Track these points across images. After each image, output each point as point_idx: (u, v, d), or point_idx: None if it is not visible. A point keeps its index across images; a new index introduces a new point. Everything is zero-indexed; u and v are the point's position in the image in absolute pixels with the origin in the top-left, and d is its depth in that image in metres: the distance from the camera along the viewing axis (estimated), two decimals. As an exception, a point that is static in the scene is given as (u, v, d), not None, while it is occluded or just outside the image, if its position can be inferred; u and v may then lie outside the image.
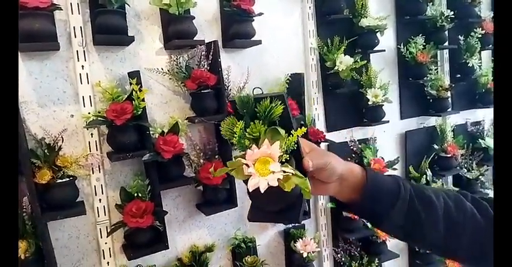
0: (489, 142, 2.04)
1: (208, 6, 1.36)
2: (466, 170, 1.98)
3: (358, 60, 1.58)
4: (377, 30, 1.65)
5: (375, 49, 1.67)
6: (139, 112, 1.12)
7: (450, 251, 0.71)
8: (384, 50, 1.70)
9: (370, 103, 1.65)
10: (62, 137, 1.08)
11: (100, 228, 1.18)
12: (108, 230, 1.17)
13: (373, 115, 1.70)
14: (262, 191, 0.54)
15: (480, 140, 2.03)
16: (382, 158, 1.72)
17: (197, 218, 1.36)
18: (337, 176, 0.63)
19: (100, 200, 1.17)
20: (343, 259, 1.62)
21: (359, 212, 0.72)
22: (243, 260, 1.36)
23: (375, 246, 1.65)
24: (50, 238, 1.09)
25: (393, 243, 1.72)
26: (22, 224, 1.02)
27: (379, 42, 1.67)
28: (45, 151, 1.05)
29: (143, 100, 1.12)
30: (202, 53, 1.26)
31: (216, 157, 1.33)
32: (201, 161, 1.32)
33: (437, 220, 0.67)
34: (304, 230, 1.54)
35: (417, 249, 1.84)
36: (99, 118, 1.11)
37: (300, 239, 1.46)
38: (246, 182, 0.57)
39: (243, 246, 1.39)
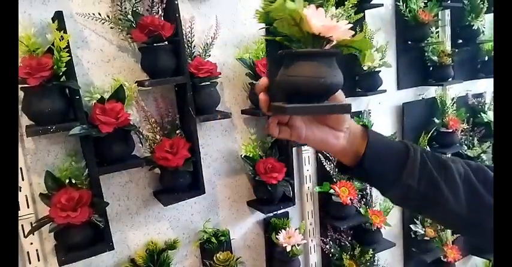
0: (491, 116, 1.84)
1: None
2: (466, 148, 1.78)
3: (353, 15, 1.31)
4: (374, -19, 1.38)
5: (371, 3, 1.40)
6: (62, 69, 0.81)
7: (474, 224, 0.60)
8: (382, 5, 1.43)
9: (365, 68, 1.40)
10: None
11: (22, 225, 0.89)
12: (31, 227, 0.89)
13: (369, 84, 1.45)
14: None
15: (482, 115, 1.83)
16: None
17: (155, 209, 1.09)
18: (347, 125, 0.55)
19: (20, 188, 0.87)
20: (332, 250, 1.40)
21: (366, 175, 0.59)
22: (214, 258, 1.11)
23: (369, 234, 1.43)
24: None
25: (389, 231, 1.51)
26: None
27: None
28: None
29: (68, 51, 0.81)
30: (155, -4, 0.96)
31: (177, 132, 1.05)
32: (158, 137, 1.03)
33: (456, 184, 0.57)
34: (288, 219, 1.30)
35: (415, 236, 1.65)
36: (7, 78, 0.81)
37: (283, 230, 1.22)
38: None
39: (213, 241, 1.13)
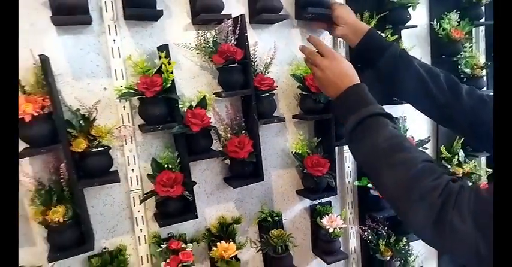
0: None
1: (233, -21, 1.36)
2: (501, 152, 1.89)
3: (389, 36, 1.53)
4: (409, 5, 1.59)
5: (406, 24, 1.62)
6: (168, 85, 1.14)
7: (450, 112, 1.12)
8: (416, 26, 1.64)
9: (400, 79, 1.60)
10: (96, 108, 1.12)
11: (133, 197, 1.23)
12: (141, 199, 1.22)
13: (404, 93, 1.65)
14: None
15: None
16: (412, 137, 1.68)
17: (224, 191, 1.39)
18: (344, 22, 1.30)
19: (133, 170, 1.22)
20: (369, 237, 1.61)
21: (356, 55, 1.33)
22: (269, 233, 1.38)
23: (403, 225, 1.62)
24: (86, 205, 1.15)
25: (422, 224, 1.68)
26: (60, 190, 1.08)
27: (411, 18, 1.61)
28: (80, 121, 1.10)
29: (172, 73, 1.14)
30: (229, 28, 1.27)
31: (243, 132, 1.35)
32: (228, 135, 1.34)
33: (437, 75, 1.16)
34: (331, 207, 1.54)
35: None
36: (130, 91, 1.15)
37: (326, 215, 1.46)
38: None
39: (269, 220, 1.41)
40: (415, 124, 1.76)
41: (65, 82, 1.12)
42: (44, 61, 1.02)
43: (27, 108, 0.99)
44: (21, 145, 1.03)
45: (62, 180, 1.06)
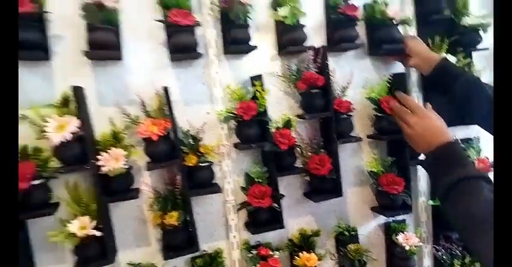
0: None
1: (314, 14, 1.52)
2: None
3: (461, 59, 1.59)
4: (480, 28, 1.65)
5: (478, 47, 1.67)
6: (262, 110, 1.32)
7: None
8: (487, 48, 1.68)
9: (474, 101, 1.64)
10: (202, 129, 1.33)
11: (228, 206, 1.40)
12: (235, 209, 1.39)
13: (477, 114, 1.68)
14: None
15: None
16: (487, 157, 1.68)
17: (304, 206, 1.52)
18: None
19: (229, 182, 1.39)
20: (444, 257, 1.62)
21: (430, 82, 1.48)
22: (347, 247, 1.47)
23: (480, 246, 1.61)
24: (192, 212, 1.34)
25: (500, 246, 1.66)
26: (174, 198, 1.29)
27: (482, 40, 1.66)
28: (190, 140, 1.31)
29: (264, 99, 1.32)
30: (311, 57, 1.43)
31: (322, 150, 1.48)
32: (308, 153, 1.47)
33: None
34: (405, 224, 1.59)
35: None
36: (229, 115, 1.34)
37: (402, 233, 1.52)
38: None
39: (346, 234, 1.50)
40: (489, 145, 1.76)
41: (178, 108, 1.35)
42: (166, 90, 1.25)
43: (153, 129, 1.21)
44: (144, 160, 1.26)
45: (176, 190, 1.27)
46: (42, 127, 1.16)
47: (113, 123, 1.26)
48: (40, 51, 1.17)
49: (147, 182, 1.32)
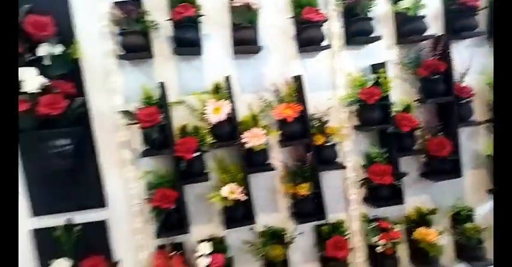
0: None
1: (432, 5, 1.57)
2: None
3: None
4: None
5: None
6: (385, 94, 1.43)
7: None
8: None
9: None
10: (327, 113, 1.49)
11: (349, 183, 1.56)
12: (355, 184, 1.54)
13: None
14: None
15: None
16: None
17: (420, 185, 1.61)
18: None
19: (349, 161, 1.54)
20: None
21: None
22: (463, 226, 1.52)
23: None
24: (321, 183, 1.49)
25: None
26: (302, 173, 1.47)
27: None
28: (317, 123, 1.48)
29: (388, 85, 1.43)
30: (432, 45, 1.50)
31: (439, 134, 1.54)
32: (426, 136, 1.55)
33: None
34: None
35: None
36: (351, 100, 1.48)
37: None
38: None
39: (462, 214, 1.55)
40: None
41: (308, 95, 1.50)
42: (299, 78, 1.43)
43: (288, 112, 1.40)
44: (275, 139, 1.47)
45: (304, 165, 1.45)
46: (198, 110, 1.42)
47: (251, 107, 1.48)
48: (196, 48, 1.42)
49: (278, 158, 1.52)
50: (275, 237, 1.51)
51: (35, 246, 1.40)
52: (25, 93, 1.21)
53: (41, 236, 1.41)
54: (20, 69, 1.22)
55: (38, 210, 1.40)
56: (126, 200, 1.44)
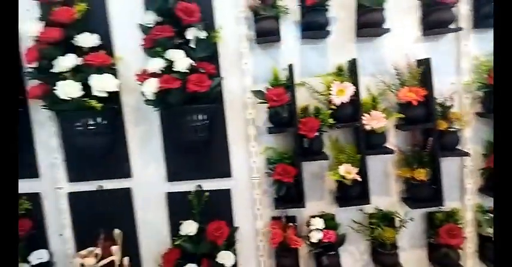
0: None
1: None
2: None
3: None
4: None
5: None
6: None
7: None
8: None
9: None
10: (451, 98, 1.46)
11: (466, 171, 1.53)
12: (472, 173, 1.51)
13: None
14: None
15: None
16: None
17: None
18: None
19: (469, 149, 1.51)
20: None
21: None
22: None
23: None
24: (440, 169, 1.48)
25: None
26: (420, 158, 1.47)
27: None
28: (441, 107, 1.46)
29: None
30: None
31: None
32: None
33: None
34: None
35: None
36: (478, 85, 1.44)
37: None
38: None
39: None
40: None
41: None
42: (425, 62, 1.42)
43: (412, 95, 1.41)
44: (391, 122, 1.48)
45: (426, 150, 1.45)
46: (321, 91, 1.50)
47: (369, 90, 1.51)
48: (323, 31, 1.47)
49: (392, 142, 1.54)
50: (385, 220, 1.55)
51: (169, 207, 1.62)
52: (176, 72, 1.39)
53: (175, 198, 1.61)
54: (170, 50, 1.40)
55: (173, 176, 1.61)
56: (248, 172, 1.57)
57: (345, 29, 1.51)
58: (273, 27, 1.43)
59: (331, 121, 1.46)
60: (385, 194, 1.58)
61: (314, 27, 1.43)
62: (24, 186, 1.59)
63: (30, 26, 1.40)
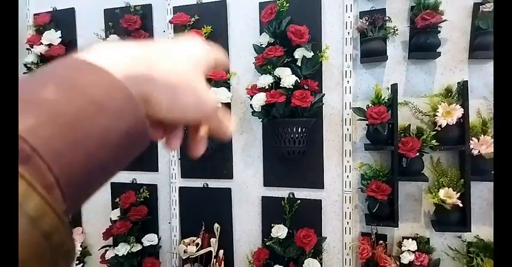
0: None
1: None
2: None
3: None
4: None
5: None
6: None
7: None
8: None
9: None
10: None
11: None
12: None
13: None
14: None
15: None
16: None
17: None
18: None
19: None
20: None
21: None
22: None
23: None
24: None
25: None
26: None
27: None
28: None
29: None
30: None
31: None
32: None
33: None
34: None
35: None
36: None
37: None
38: None
39: None
40: None
41: None
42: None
43: None
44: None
45: None
46: (425, 112, 1.48)
47: (479, 113, 1.44)
48: (432, 52, 1.46)
49: (505, 169, 1.44)
50: (486, 250, 1.45)
51: (263, 209, 1.76)
52: (282, 87, 1.53)
53: (268, 202, 1.75)
54: (279, 68, 1.55)
55: (269, 181, 1.75)
56: (341, 186, 1.63)
57: (456, 50, 1.48)
58: (379, 47, 1.48)
59: (434, 142, 1.44)
60: (488, 224, 1.48)
61: (424, 48, 1.43)
62: (146, 178, 1.90)
63: (165, 44, 1.69)
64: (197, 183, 1.83)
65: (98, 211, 1.99)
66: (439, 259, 1.50)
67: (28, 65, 1.85)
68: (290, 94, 1.50)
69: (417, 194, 1.56)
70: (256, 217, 1.77)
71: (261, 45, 1.60)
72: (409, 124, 1.51)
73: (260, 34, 1.65)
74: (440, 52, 1.45)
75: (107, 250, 1.86)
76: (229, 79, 1.69)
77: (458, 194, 1.41)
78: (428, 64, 1.52)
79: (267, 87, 1.55)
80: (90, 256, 2.02)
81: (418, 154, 1.46)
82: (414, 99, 1.52)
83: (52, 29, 1.85)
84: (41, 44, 1.83)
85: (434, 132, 1.44)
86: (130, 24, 1.73)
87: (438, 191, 1.44)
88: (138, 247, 1.81)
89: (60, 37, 1.86)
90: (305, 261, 1.59)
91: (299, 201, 1.66)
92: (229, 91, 1.65)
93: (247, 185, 1.77)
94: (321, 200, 1.67)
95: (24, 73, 1.89)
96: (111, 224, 1.85)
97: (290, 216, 1.66)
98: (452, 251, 1.51)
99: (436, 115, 1.41)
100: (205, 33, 1.65)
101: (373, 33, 1.46)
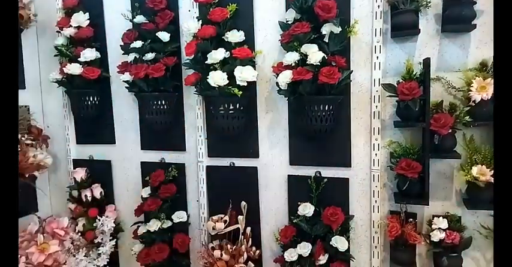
0: None
1: None
2: None
3: None
4: None
5: None
6: None
7: None
8: None
9: None
10: None
11: None
12: None
13: None
14: None
15: None
16: None
17: None
18: None
19: None
20: None
21: None
22: None
23: None
24: None
25: None
26: None
27: None
28: None
29: None
30: None
31: None
32: None
33: None
34: None
35: None
36: None
37: None
38: None
39: None
40: None
41: None
42: None
43: None
44: None
45: None
46: (458, 87, 1.43)
47: (517, 88, 1.38)
48: (467, 25, 1.39)
49: None
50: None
51: (289, 188, 1.77)
52: (309, 64, 1.50)
53: (295, 181, 1.75)
54: (305, 45, 1.52)
55: (295, 160, 1.75)
56: (369, 164, 1.61)
57: (491, 22, 1.40)
58: (411, 20, 1.42)
59: (467, 118, 1.39)
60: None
61: (458, 20, 1.36)
62: (174, 157, 1.94)
63: (190, 24, 1.68)
64: (224, 162, 1.86)
65: (130, 189, 2.06)
66: (470, 237, 1.48)
67: (59, 48, 1.90)
68: (317, 71, 1.47)
69: (448, 172, 1.52)
70: (282, 195, 1.78)
71: (287, 21, 1.57)
72: (442, 100, 1.46)
73: (286, 10, 1.62)
74: (475, 24, 1.39)
75: (139, 226, 1.93)
76: (254, 58, 1.68)
77: (492, 171, 1.37)
78: (463, 38, 1.45)
79: (293, 64, 1.53)
80: (123, 232, 2.11)
81: (450, 130, 1.42)
82: (447, 74, 1.46)
83: (80, 11, 1.88)
84: (70, 26, 1.86)
85: (468, 108, 1.39)
86: (156, 4, 1.73)
87: (471, 168, 1.40)
88: (169, 223, 1.87)
89: (88, 19, 1.89)
90: (332, 238, 1.60)
91: (326, 179, 1.66)
92: (255, 69, 1.63)
93: (273, 164, 1.78)
94: (348, 179, 1.66)
95: (55, 55, 1.95)
96: (142, 202, 1.92)
97: (317, 194, 1.66)
98: (485, 229, 1.48)
99: (470, 90, 1.36)
100: (230, 11, 1.63)
101: (405, 5, 1.40)
